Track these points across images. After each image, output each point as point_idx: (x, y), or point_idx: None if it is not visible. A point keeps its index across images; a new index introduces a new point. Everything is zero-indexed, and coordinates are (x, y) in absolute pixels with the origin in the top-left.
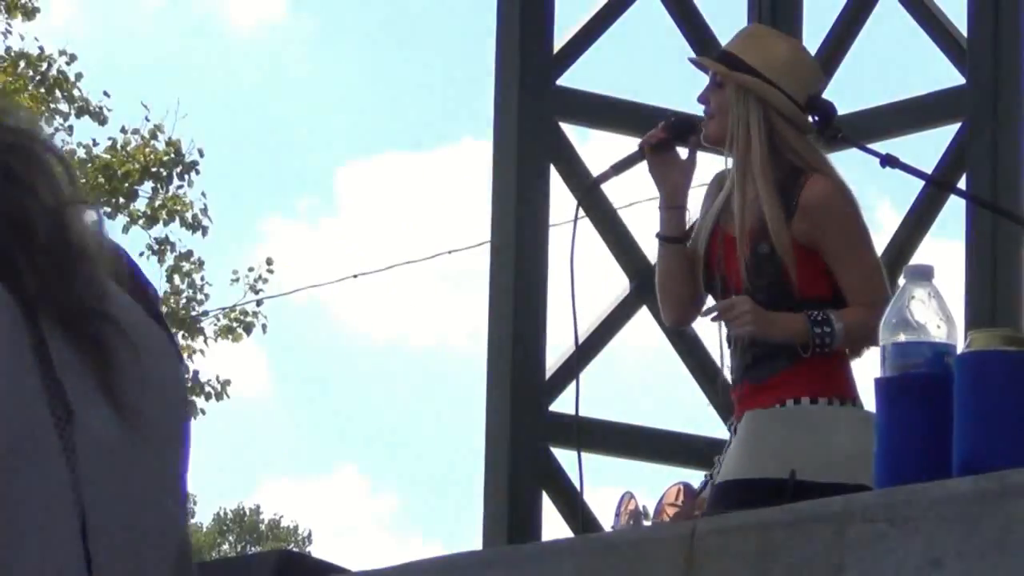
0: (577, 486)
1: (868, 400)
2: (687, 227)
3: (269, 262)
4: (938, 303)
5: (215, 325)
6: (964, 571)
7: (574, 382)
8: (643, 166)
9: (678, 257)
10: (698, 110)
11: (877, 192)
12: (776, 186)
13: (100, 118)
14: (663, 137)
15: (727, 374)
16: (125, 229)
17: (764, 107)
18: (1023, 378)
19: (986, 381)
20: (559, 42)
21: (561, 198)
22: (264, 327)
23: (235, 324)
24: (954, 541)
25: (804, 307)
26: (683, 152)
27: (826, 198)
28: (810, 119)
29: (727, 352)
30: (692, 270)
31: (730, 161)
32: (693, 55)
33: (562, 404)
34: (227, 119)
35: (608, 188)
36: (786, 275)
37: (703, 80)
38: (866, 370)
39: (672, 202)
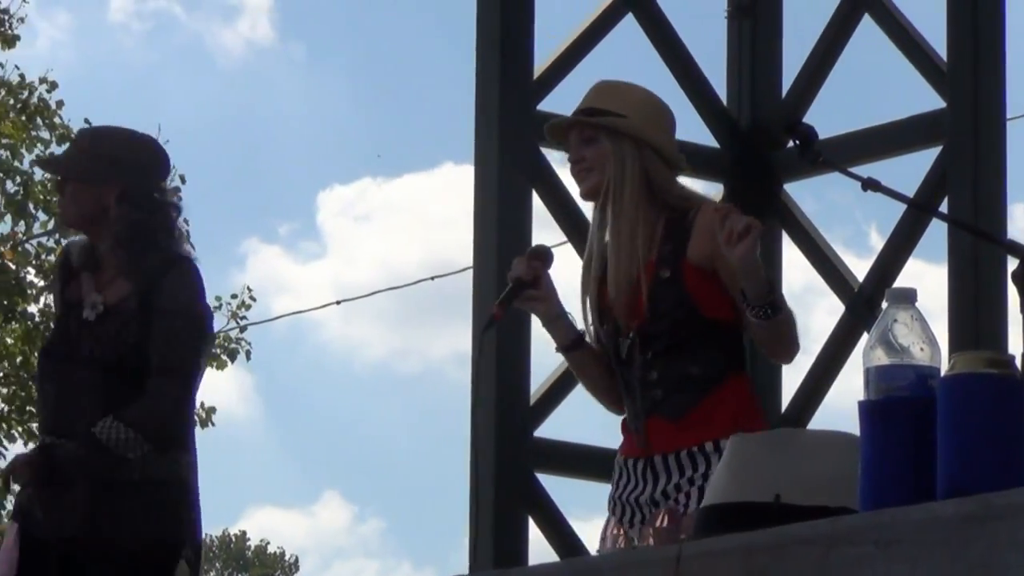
0: (562, 511)
1: (849, 424)
2: (577, 329)
3: (250, 289)
4: (921, 326)
5: None
6: None
7: (558, 407)
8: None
9: (586, 356)
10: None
11: (863, 216)
12: (664, 225)
13: None
14: (534, 273)
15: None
16: None
17: (640, 149)
18: (1006, 401)
19: (969, 404)
20: (539, 67)
21: (543, 222)
22: (248, 354)
23: (219, 351)
24: (938, 564)
25: (711, 327)
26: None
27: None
28: (790, 142)
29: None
30: (604, 359)
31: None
32: (671, 81)
33: (547, 429)
34: (210, 144)
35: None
36: (689, 296)
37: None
38: (852, 393)
39: (551, 317)
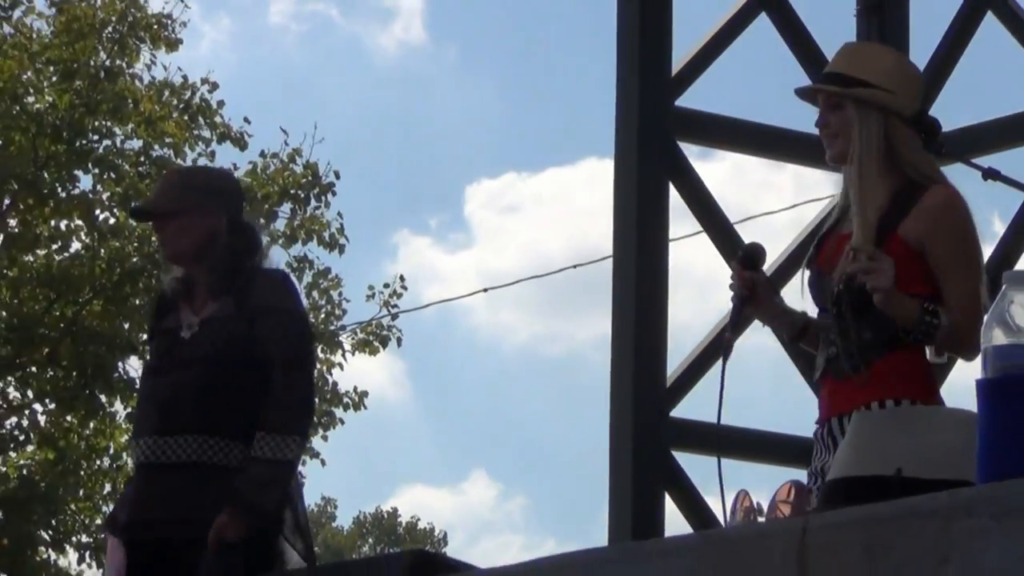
0: (696, 486)
1: (961, 401)
2: (801, 319)
3: (402, 279)
4: None
5: (352, 339)
6: None
7: (694, 388)
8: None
9: (816, 338)
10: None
11: (986, 204)
12: (892, 194)
13: (241, 143)
14: (750, 284)
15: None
16: None
17: (885, 118)
18: None
19: None
20: (677, 65)
21: (680, 213)
22: (399, 340)
23: (371, 338)
24: None
25: None
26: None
27: (948, 206)
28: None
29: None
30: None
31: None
32: (803, 78)
33: (683, 409)
34: (365, 141)
35: (724, 203)
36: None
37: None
38: (972, 372)
39: (774, 315)
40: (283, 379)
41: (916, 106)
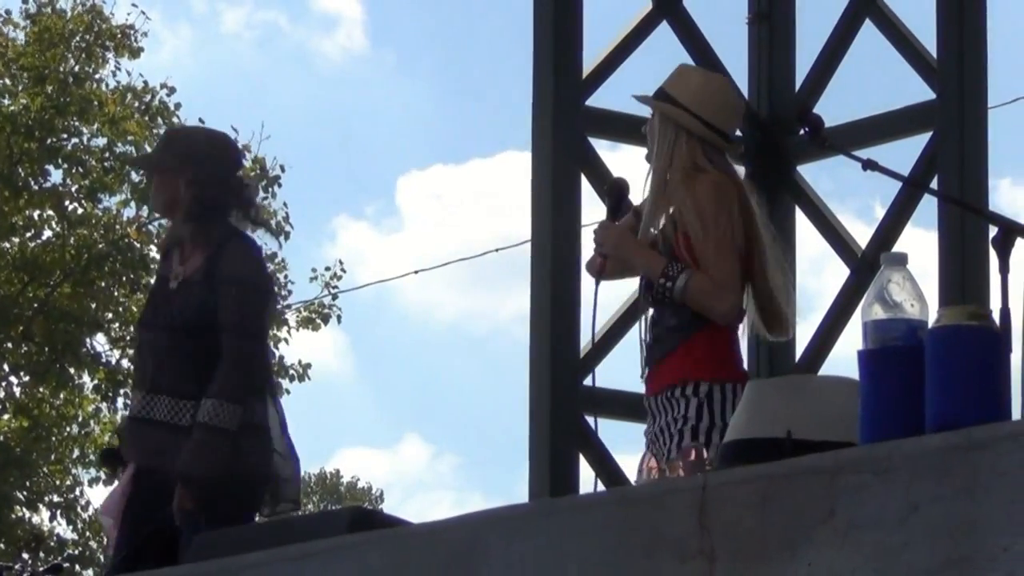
0: (609, 448)
1: (853, 371)
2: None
3: (341, 263)
4: (911, 285)
5: (297, 317)
6: (938, 513)
7: (604, 359)
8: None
9: None
10: None
11: (870, 192)
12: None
13: None
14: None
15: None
16: None
17: (676, 128)
18: (984, 348)
19: (953, 351)
20: (587, 68)
21: (591, 202)
22: (339, 317)
23: (314, 316)
24: (929, 488)
25: None
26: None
27: (691, 194)
28: (802, 131)
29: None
30: None
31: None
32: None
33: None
34: (310, 138)
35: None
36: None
37: None
38: (857, 344)
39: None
40: (229, 347)
41: (714, 122)
